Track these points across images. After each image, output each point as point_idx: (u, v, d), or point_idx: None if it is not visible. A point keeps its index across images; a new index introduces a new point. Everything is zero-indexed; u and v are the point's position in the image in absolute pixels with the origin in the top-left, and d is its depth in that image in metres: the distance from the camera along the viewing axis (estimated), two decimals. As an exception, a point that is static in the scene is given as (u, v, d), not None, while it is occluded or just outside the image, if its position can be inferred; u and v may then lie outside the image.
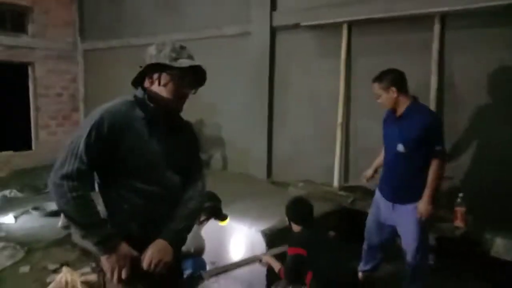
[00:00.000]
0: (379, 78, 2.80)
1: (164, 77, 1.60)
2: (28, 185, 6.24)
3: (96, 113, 1.54)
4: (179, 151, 1.71)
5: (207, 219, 2.98)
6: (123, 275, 1.52)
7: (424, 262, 2.80)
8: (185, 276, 2.78)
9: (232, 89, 5.49)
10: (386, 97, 2.75)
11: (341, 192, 4.15)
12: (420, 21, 3.83)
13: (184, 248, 2.80)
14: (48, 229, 4.54)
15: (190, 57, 1.64)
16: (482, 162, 3.61)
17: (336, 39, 4.39)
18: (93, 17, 7.61)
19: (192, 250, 2.88)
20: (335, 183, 4.39)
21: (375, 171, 3.14)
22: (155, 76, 1.62)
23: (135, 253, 1.56)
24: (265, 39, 4.97)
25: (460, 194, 3.39)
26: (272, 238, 3.15)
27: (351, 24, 4.29)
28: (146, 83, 1.65)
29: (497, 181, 3.52)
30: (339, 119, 4.40)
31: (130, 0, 6.83)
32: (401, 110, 2.71)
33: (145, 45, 5.84)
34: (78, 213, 1.49)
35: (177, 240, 1.67)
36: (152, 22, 6.48)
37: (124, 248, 1.54)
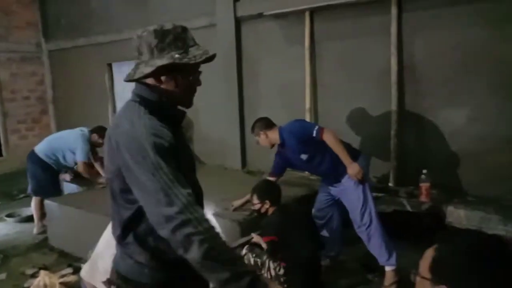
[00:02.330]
0: (252, 130, 3.29)
1: (179, 76, 1.36)
2: (1, 192, 6.15)
3: (143, 139, 1.22)
4: (190, 150, 1.59)
5: None
6: None
7: (374, 221, 2.98)
8: None
9: (203, 82, 5.48)
10: (262, 140, 3.22)
11: (313, 177, 4.26)
12: (378, 5, 3.93)
13: None
14: (25, 234, 4.52)
15: (194, 40, 1.39)
16: (443, 139, 3.76)
17: (299, 26, 4.45)
18: (56, 16, 7.43)
19: None
20: (308, 168, 4.48)
21: (244, 204, 3.37)
22: (165, 75, 1.34)
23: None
24: (230, 30, 4.99)
25: (424, 171, 3.54)
26: (245, 225, 3.25)
27: (313, 11, 4.36)
28: (150, 81, 1.35)
29: (458, 157, 3.69)
30: (307, 104, 4.49)
31: (93, -3, 6.70)
32: (278, 140, 3.16)
33: (111, 42, 5.80)
34: (219, 247, 1.16)
35: None
36: (119, 18, 6.38)
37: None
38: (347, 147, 3.04)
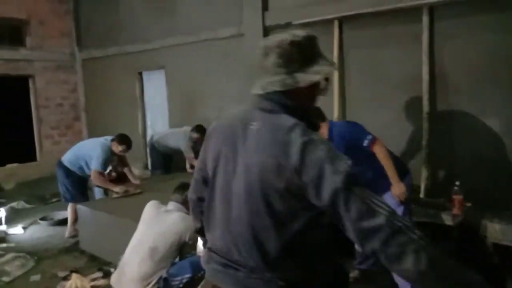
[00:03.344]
0: None
1: (319, 85, 1.34)
2: (34, 196, 6.36)
3: (329, 154, 1.16)
4: None
5: None
6: None
7: None
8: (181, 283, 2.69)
9: (227, 91, 5.56)
10: None
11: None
12: (409, 13, 3.88)
13: (177, 237, 2.76)
14: (57, 238, 4.64)
15: None
16: (477, 149, 3.65)
17: (328, 35, 4.44)
18: (89, 26, 7.70)
19: (187, 239, 2.73)
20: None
21: None
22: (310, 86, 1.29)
23: None
24: (258, 39, 5.03)
25: (457, 183, 3.43)
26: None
27: (341, 20, 4.34)
28: (293, 92, 1.28)
29: (492, 168, 3.57)
30: (336, 113, 4.46)
31: (125, 8, 6.91)
32: (326, 135, 2.95)
33: (141, 51, 5.94)
34: (436, 255, 1.04)
35: None
36: (147, 28, 6.56)
37: None
38: (396, 161, 2.88)
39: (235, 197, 1.30)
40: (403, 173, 2.89)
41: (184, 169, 5.55)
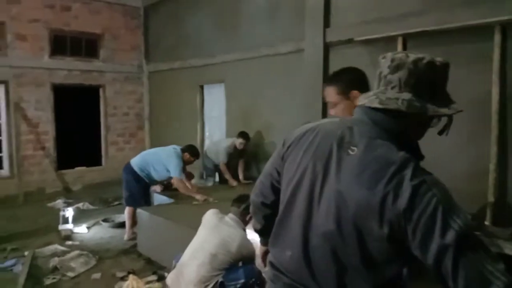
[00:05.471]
0: (334, 80, 1.91)
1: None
2: (98, 198, 6.77)
3: (448, 200, 1.03)
4: None
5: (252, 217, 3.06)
6: None
7: None
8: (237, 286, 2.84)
9: (287, 105, 5.61)
10: (345, 104, 1.81)
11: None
12: (479, 31, 3.71)
13: (236, 254, 2.86)
14: (116, 239, 4.90)
15: None
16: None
17: (390, 52, 4.35)
18: (157, 40, 8.16)
19: (244, 255, 2.93)
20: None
21: None
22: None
23: None
24: (318, 55, 5.05)
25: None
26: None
27: (405, 37, 4.24)
28: (408, 120, 1.15)
29: None
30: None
31: (190, 24, 7.25)
32: None
33: (204, 65, 6.19)
34: None
35: None
36: (210, 43, 6.82)
37: None
38: None
39: (318, 226, 1.16)
40: None
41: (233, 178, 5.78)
